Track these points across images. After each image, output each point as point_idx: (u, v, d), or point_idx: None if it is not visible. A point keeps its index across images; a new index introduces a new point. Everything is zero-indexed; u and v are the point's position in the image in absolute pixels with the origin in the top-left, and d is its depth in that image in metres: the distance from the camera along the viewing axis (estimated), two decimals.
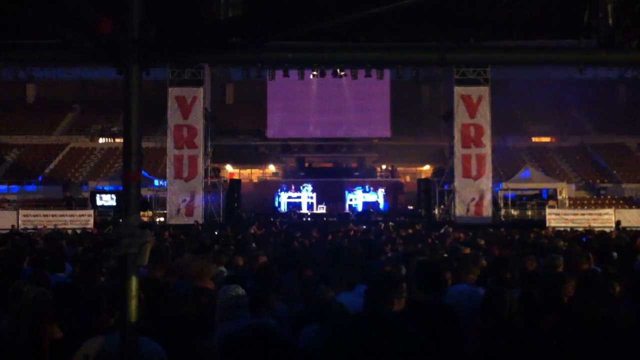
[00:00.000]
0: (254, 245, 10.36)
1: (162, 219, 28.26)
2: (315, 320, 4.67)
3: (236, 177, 31.13)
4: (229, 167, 32.74)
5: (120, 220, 3.09)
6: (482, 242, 11.31)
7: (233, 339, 3.31)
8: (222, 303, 4.77)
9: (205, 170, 29.06)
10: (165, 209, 28.35)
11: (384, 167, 36.64)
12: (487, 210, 27.68)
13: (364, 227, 21.74)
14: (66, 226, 23.76)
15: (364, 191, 31.11)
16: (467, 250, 9.00)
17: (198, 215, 27.58)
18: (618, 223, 21.65)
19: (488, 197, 27.84)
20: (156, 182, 29.49)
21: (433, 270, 4.69)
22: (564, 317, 4.64)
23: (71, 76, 39.65)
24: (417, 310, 4.12)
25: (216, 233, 18.36)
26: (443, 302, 4.62)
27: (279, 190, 30.94)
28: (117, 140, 37.76)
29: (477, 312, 4.78)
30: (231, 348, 3.31)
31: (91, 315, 4.65)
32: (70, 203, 29.50)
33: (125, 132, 2.97)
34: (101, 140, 39.66)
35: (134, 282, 2.96)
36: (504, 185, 29.06)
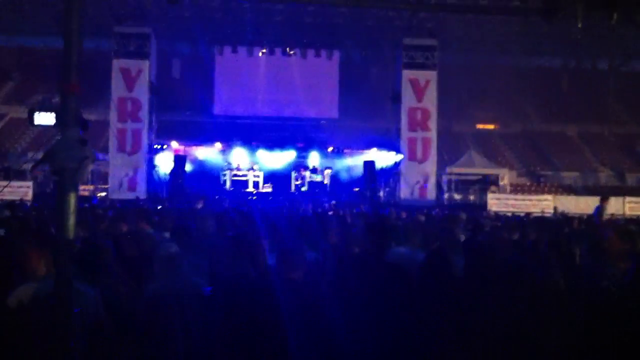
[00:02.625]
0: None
1: (104, 193, 27.70)
2: None
3: (181, 154, 30.59)
4: (174, 144, 32.13)
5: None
6: (423, 217, 11.75)
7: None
8: (160, 260, 4.94)
9: (150, 145, 28.57)
10: (107, 184, 27.79)
11: (330, 149, 36.60)
12: (431, 194, 28.08)
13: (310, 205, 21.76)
14: (4, 197, 22.94)
15: (311, 172, 31.05)
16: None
17: (141, 191, 27.13)
18: (555, 209, 22.43)
19: (432, 180, 28.24)
20: (98, 156, 28.82)
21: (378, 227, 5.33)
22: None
23: (10, 44, 38.25)
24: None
25: (159, 207, 18.04)
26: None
27: (225, 168, 30.58)
28: None
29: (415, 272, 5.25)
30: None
31: (22, 265, 4.59)
32: (8, 174, 28.56)
33: (65, 41, 2.80)
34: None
35: (72, 198, 2.83)
36: (448, 169, 29.46)
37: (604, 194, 21.67)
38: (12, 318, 3.77)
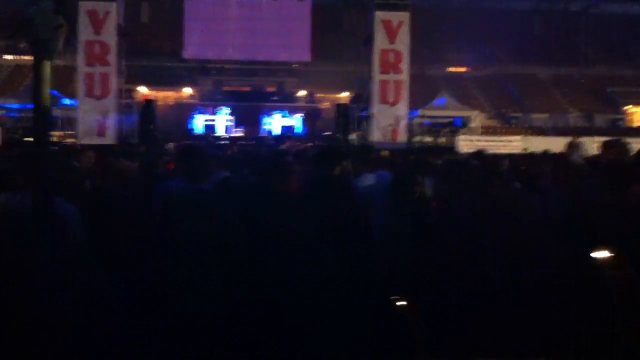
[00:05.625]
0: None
1: (73, 140, 27.34)
2: None
3: (151, 99, 30.24)
4: (143, 89, 31.73)
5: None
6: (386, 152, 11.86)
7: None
8: None
9: (119, 91, 28.13)
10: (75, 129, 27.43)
11: (303, 93, 36.45)
12: (403, 136, 28.10)
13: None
14: None
15: (282, 116, 30.95)
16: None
17: (111, 136, 26.81)
18: (525, 150, 22.79)
19: (404, 123, 28.24)
20: (66, 101, 28.43)
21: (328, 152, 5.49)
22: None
23: None
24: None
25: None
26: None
27: (195, 113, 30.35)
28: (25, 57, 35.89)
29: (383, 191, 5.39)
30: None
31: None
32: None
33: None
34: (8, 57, 37.62)
35: (47, 67, 2.85)
36: (419, 112, 29.51)
37: (573, 134, 22.15)
38: None
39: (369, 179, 6.64)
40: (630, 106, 38.19)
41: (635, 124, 37.26)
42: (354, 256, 4.34)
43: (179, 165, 5.61)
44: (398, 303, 2.97)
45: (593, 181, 6.78)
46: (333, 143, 26.98)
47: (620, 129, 33.62)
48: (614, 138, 9.32)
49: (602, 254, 2.48)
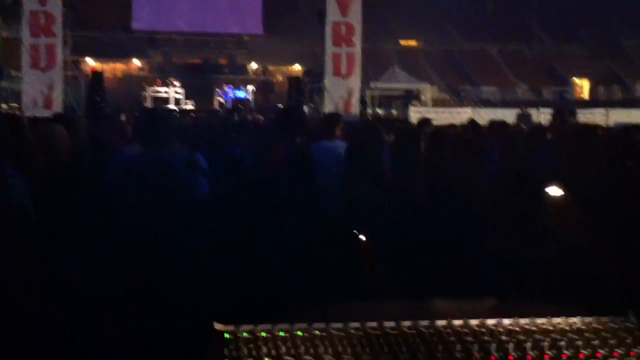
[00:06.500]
0: None
1: (17, 112, 26.61)
2: None
3: (99, 71, 29.57)
4: (90, 61, 30.97)
5: None
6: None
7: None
8: None
9: (65, 62, 27.44)
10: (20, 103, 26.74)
11: (255, 66, 36.14)
12: (356, 109, 28.18)
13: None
14: None
15: (234, 88, 30.66)
16: None
17: (57, 108, 26.11)
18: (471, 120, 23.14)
19: (357, 95, 28.30)
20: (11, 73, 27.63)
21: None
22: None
23: None
24: None
25: None
26: None
27: (144, 85, 29.80)
28: None
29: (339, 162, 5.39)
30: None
31: None
32: None
33: None
34: None
35: None
36: (372, 85, 29.63)
37: (521, 106, 22.59)
38: None
39: (327, 146, 6.66)
40: (576, 79, 39.13)
41: (582, 96, 38.26)
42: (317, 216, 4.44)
43: (139, 132, 5.49)
44: (360, 239, 3.06)
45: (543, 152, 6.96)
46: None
47: (568, 101, 34.44)
48: (562, 108, 9.58)
49: (555, 192, 2.58)
